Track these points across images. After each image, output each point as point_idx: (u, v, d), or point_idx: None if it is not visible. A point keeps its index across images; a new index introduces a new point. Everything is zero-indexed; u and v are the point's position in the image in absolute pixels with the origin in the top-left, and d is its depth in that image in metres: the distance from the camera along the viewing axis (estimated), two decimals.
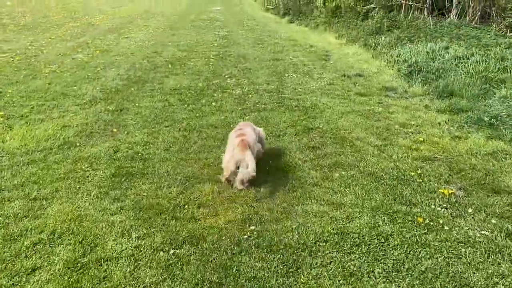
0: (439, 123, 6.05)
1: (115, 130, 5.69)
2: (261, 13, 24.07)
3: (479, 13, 11.57)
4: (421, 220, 3.65)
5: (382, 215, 3.73)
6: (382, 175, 4.50)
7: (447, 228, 3.55)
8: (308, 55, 11.38)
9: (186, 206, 3.85)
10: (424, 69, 8.19)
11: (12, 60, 9.76)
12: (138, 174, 4.46)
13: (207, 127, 5.90)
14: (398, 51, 9.79)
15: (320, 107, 6.85)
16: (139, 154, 4.94)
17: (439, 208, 3.84)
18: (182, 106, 6.81)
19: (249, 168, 4.05)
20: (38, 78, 8.30)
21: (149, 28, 16.20)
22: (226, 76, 8.88)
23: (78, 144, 5.20)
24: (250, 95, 7.52)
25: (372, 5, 13.67)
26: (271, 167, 4.67)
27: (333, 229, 3.53)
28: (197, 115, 6.40)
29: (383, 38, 11.03)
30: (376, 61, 9.96)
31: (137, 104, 6.83)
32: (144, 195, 4.04)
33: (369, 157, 4.94)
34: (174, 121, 6.11)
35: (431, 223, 3.62)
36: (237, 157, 4.11)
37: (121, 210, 3.78)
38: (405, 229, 3.54)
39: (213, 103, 7.00)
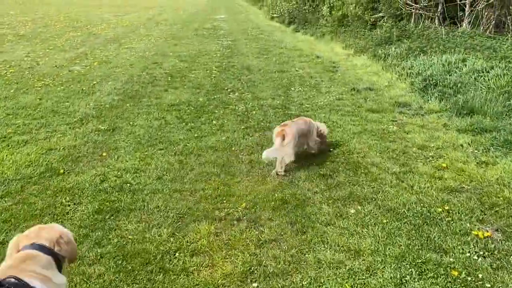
0: (462, 145, 5.44)
1: (104, 154, 5.12)
2: (266, 22, 23.59)
3: (493, 22, 10.97)
4: (456, 273, 3.04)
5: (408, 267, 3.12)
6: (404, 211, 3.89)
7: (489, 286, 2.93)
8: (314, 67, 10.81)
9: (177, 254, 3.25)
10: (440, 83, 7.58)
11: (5, 73, 9.26)
12: (125, 210, 3.87)
13: (206, 150, 5.32)
14: (410, 62, 9.19)
15: (329, 126, 6.25)
16: (128, 185, 4.36)
17: (475, 257, 3.23)
18: (179, 124, 6.24)
19: (285, 155, 4.57)
20: (30, 92, 7.77)
21: (151, 38, 15.72)
22: (229, 90, 8.32)
23: (62, 171, 4.62)
24: (254, 112, 6.95)
25: (381, 14, 13.10)
26: (276, 200, 4.08)
27: (352, 287, 2.93)
28: (196, 135, 5.82)
29: (393, 48, 10.44)
30: (387, 73, 9.37)
31: (131, 123, 6.27)
32: (129, 238, 3.45)
33: (387, 188, 4.34)
34: (170, 142, 5.53)
35: (469, 278, 3.00)
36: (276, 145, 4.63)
37: (101, 259, 3.19)
38: (438, 286, 2.93)
39: (214, 121, 6.43)
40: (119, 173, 4.62)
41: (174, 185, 4.37)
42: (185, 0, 44.67)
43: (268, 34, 17.74)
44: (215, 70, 10.15)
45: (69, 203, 3.98)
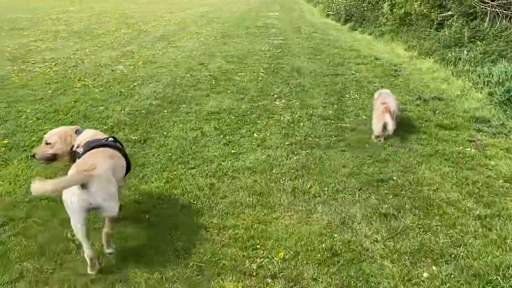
0: None
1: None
2: (321, 19, 22.45)
3: None
4: None
5: None
6: (497, 279, 2.87)
7: None
8: (373, 70, 9.71)
9: None
10: None
11: (48, 71, 8.96)
12: (136, 254, 3.14)
13: (243, 171, 4.51)
14: (487, 69, 7.88)
15: (392, 143, 5.25)
16: (147, 216, 3.64)
17: None
18: (217, 137, 5.48)
19: (389, 127, 5.15)
20: (67, 94, 7.34)
21: (200, 36, 15.17)
22: (275, 96, 7.47)
23: None
24: (301, 123, 6.06)
25: (450, 13, 11.67)
26: (324, 250, 3.19)
27: None
28: (233, 151, 5.04)
29: (465, 52, 9.10)
30: (458, 80, 8.11)
31: (165, 133, 5.59)
32: None
33: (471, 239, 3.32)
34: (204, 160, 4.78)
35: None
36: (382, 120, 5.21)
37: None
38: None
39: (255, 134, 5.61)
40: (140, 198, 3.93)
41: (200, 219, 3.60)
42: None
43: (322, 32, 16.67)
44: (263, 72, 9.33)
45: (75, 238, 3.32)
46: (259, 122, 6.13)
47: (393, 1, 14.39)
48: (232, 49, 12.44)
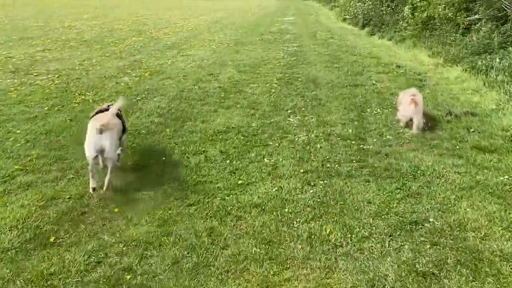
0: None
1: (116, 209, 3.82)
2: (337, 24, 21.66)
3: None
4: None
5: None
6: None
7: None
8: (395, 79, 8.92)
9: None
10: None
11: (49, 85, 8.42)
12: None
13: (250, 209, 3.82)
14: None
15: (424, 172, 4.49)
16: (129, 276, 2.97)
17: None
18: (222, 163, 4.80)
19: (415, 121, 5.56)
20: (64, 111, 6.76)
21: (212, 44, 14.55)
22: (289, 111, 6.77)
23: (52, 239, 3.36)
24: (318, 145, 5.34)
25: (477, 16, 10.79)
26: None
27: None
28: (240, 181, 4.35)
29: (497, 59, 8.24)
30: (492, 92, 7.27)
31: (164, 159, 4.94)
32: None
33: None
34: (205, 194, 4.10)
35: None
36: (409, 112, 5.67)
37: None
38: None
39: (266, 159, 4.91)
40: (124, 248, 3.26)
41: (195, 279, 2.92)
42: (256, 2, 43.69)
43: (340, 38, 15.89)
44: (276, 83, 8.63)
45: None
46: (270, 143, 5.43)
47: (415, 4, 13.52)
48: (245, 57, 11.77)
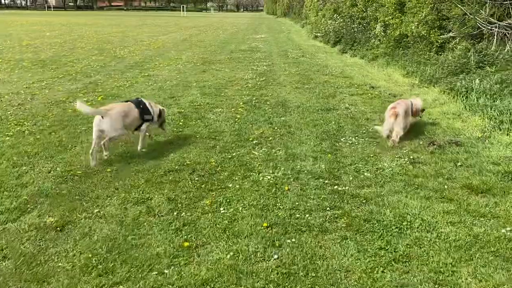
0: None
1: None
2: (309, 42, 21.18)
3: None
4: None
5: None
6: None
7: None
8: (370, 102, 8.24)
9: None
10: None
11: None
12: None
13: None
14: (508, 103, 6.42)
15: (411, 223, 3.68)
16: None
17: None
18: (167, 216, 3.86)
19: (394, 130, 5.62)
20: None
21: (179, 62, 13.68)
22: (255, 142, 5.92)
23: None
24: (285, 187, 4.48)
25: (451, 34, 10.30)
26: None
27: None
28: (187, 243, 3.41)
29: (477, 81, 7.66)
30: (474, 117, 6.63)
31: (96, 211, 3.96)
32: None
33: None
34: (139, 264, 3.13)
35: None
36: (388, 125, 5.70)
37: None
38: None
39: (222, 208, 4.01)
40: None
41: None
42: (229, 20, 43.23)
43: (311, 56, 15.30)
44: (242, 107, 7.79)
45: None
46: (230, 185, 4.54)
47: (387, 22, 13.05)
48: (211, 78, 10.92)
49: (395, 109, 5.69)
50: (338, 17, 19.22)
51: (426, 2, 10.69)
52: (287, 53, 16.29)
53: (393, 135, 5.64)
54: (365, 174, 4.83)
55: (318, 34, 21.12)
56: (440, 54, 10.31)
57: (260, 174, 4.83)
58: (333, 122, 6.86)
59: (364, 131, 6.40)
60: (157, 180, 4.64)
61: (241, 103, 8.14)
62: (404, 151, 5.51)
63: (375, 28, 13.99)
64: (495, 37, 9.60)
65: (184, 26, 34.35)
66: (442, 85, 8.31)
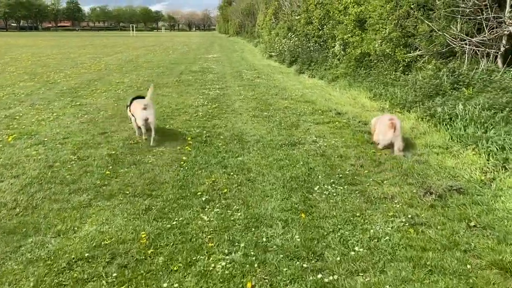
0: None
1: None
2: (263, 61, 20.03)
3: None
4: None
5: None
6: None
7: None
8: (339, 133, 6.98)
9: None
10: None
11: None
12: None
13: None
14: (505, 133, 5.34)
15: None
16: None
17: None
18: None
19: (396, 144, 5.60)
20: None
21: (119, 87, 11.96)
22: (204, 198, 4.42)
23: None
24: (248, 283, 3.01)
25: (418, 52, 9.37)
26: None
27: None
28: None
29: (460, 106, 6.59)
30: (468, 151, 5.49)
31: None
32: None
33: None
34: None
35: None
36: (388, 136, 5.66)
37: None
38: None
39: None
40: None
41: None
42: (180, 39, 41.70)
43: (267, 77, 14.05)
44: (189, 145, 6.28)
45: None
46: (165, 285, 2.99)
47: (346, 40, 12.05)
48: (155, 105, 9.30)
49: (393, 121, 5.67)
50: (292, 36, 18.23)
51: (390, 18, 9.73)
52: (242, 74, 14.98)
53: (395, 150, 5.66)
54: (356, 249, 3.45)
55: (273, 54, 20.05)
56: (407, 74, 9.34)
57: (211, 258, 3.33)
58: (301, 163, 5.50)
59: (340, 175, 5.07)
60: (53, 282, 3.01)
61: (188, 139, 6.63)
62: (398, 206, 4.21)
63: (333, 46, 12.98)
64: (466, 55, 8.71)
65: (133, 46, 32.43)
66: (418, 111, 7.21)
